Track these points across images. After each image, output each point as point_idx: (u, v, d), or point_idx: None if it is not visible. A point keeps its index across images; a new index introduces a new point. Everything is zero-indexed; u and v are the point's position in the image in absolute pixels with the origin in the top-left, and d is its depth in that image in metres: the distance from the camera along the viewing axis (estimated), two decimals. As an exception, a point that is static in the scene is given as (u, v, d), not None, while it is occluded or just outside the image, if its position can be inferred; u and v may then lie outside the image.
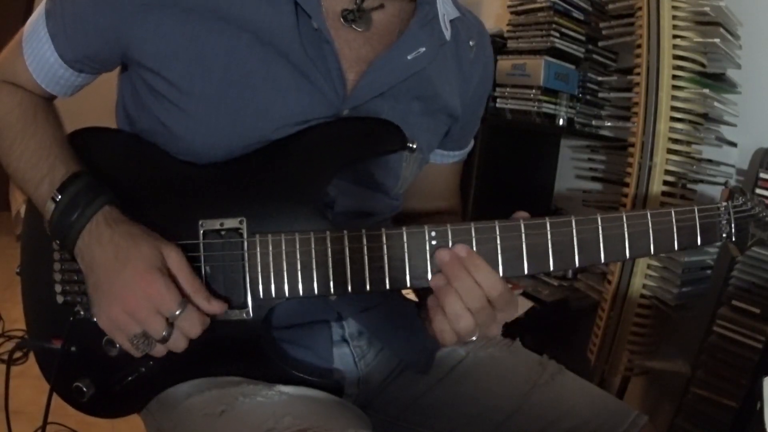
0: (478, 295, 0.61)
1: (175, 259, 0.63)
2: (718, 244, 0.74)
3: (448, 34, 0.76)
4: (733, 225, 0.71)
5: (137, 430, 0.80)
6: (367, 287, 0.64)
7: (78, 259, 0.65)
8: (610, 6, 1.55)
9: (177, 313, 0.61)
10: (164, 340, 0.62)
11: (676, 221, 0.67)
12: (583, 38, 1.74)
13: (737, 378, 1.26)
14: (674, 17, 1.30)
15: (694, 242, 0.68)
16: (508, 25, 1.85)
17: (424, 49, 0.72)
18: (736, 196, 0.72)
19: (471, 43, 0.81)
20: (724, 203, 0.72)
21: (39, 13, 0.71)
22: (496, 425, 0.76)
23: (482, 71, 0.84)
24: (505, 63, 1.79)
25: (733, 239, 0.72)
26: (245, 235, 0.65)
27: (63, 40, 0.70)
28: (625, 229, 0.65)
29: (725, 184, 0.75)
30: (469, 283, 0.61)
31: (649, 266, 1.40)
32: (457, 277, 0.61)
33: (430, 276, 0.64)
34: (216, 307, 0.64)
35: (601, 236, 0.64)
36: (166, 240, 0.64)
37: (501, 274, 0.64)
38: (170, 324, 0.62)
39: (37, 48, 0.71)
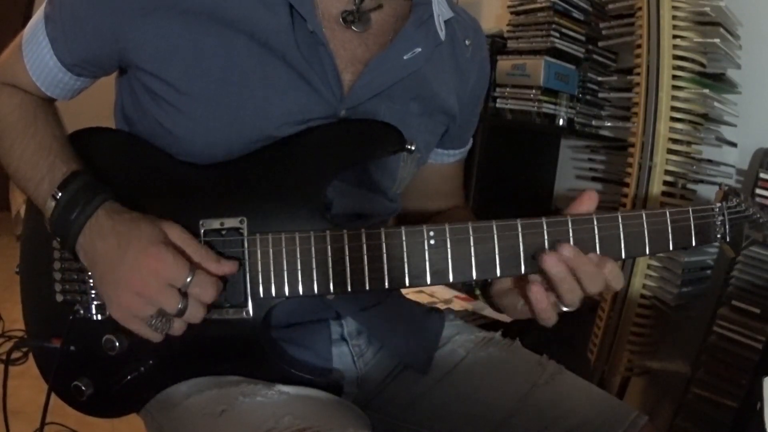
0: (600, 287, 0.62)
1: (176, 232, 0.63)
2: (714, 244, 0.74)
3: (442, 35, 0.76)
4: (727, 226, 0.72)
5: (137, 430, 0.80)
6: (367, 286, 0.64)
7: (80, 256, 0.65)
8: (610, 6, 1.56)
9: (188, 280, 0.60)
10: (181, 313, 0.61)
11: (671, 222, 0.67)
12: (583, 38, 1.75)
13: (737, 378, 1.26)
14: (674, 17, 1.30)
15: (689, 243, 0.69)
16: (508, 25, 1.85)
17: (419, 49, 0.72)
18: (730, 197, 0.73)
19: (467, 42, 0.81)
20: (718, 204, 0.72)
21: (38, 17, 0.71)
22: (496, 425, 0.76)
23: (479, 69, 0.85)
24: (505, 63, 1.80)
25: (728, 240, 0.72)
26: (245, 235, 0.65)
27: (62, 44, 0.70)
28: (621, 230, 0.65)
29: (719, 185, 0.76)
30: (595, 274, 0.62)
31: (649, 266, 1.40)
32: (582, 269, 0.62)
33: (429, 275, 0.64)
34: (227, 266, 0.63)
35: (597, 236, 0.64)
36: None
37: (498, 274, 0.64)
38: (183, 295, 0.61)
39: (36, 52, 0.71)
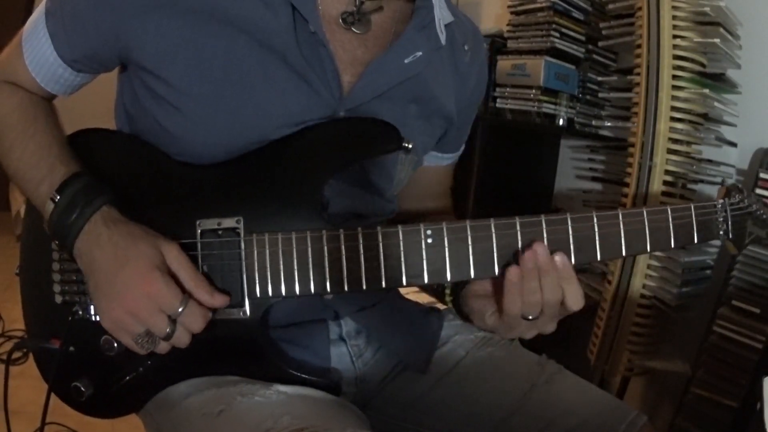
0: (557, 297, 0.63)
1: (174, 256, 0.63)
2: (717, 243, 0.74)
3: (443, 38, 0.76)
4: (729, 222, 0.71)
5: (137, 430, 0.80)
6: (364, 286, 0.64)
7: (77, 260, 0.66)
8: (610, 6, 1.56)
9: (179, 310, 0.61)
10: (168, 337, 0.62)
11: (673, 219, 0.67)
12: (583, 38, 1.75)
13: (737, 378, 1.26)
14: (674, 17, 1.30)
15: (691, 240, 0.68)
16: (508, 25, 1.85)
17: (420, 52, 0.72)
18: (732, 193, 0.72)
19: (466, 47, 0.82)
20: (721, 201, 0.72)
21: (39, 13, 0.71)
22: (496, 425, 0.76)
23: (478, 74, 0.85)
24: (505, 63, 1.80)
25: (730, 236, 0.72)
26: (242, 235, 0.65)
27: (62, 40, 0.70)
28: (621, 227, 0.65)
29: (722, 182, 0.75)
30: (553, 281, 0.63)
31: (649, 266, 1.40)
32: (545, 271, 0.62)
33: (426, 274, 0.64)
34: (218, 300, 0.64)
35: (597, 234, 0.64)
36: (165, 238, 0.65)
37: (496, 272, 0.64)
38: (173, 321, 0.62)
39: (36, 47, 0.71)
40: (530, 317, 0.65)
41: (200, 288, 0.63)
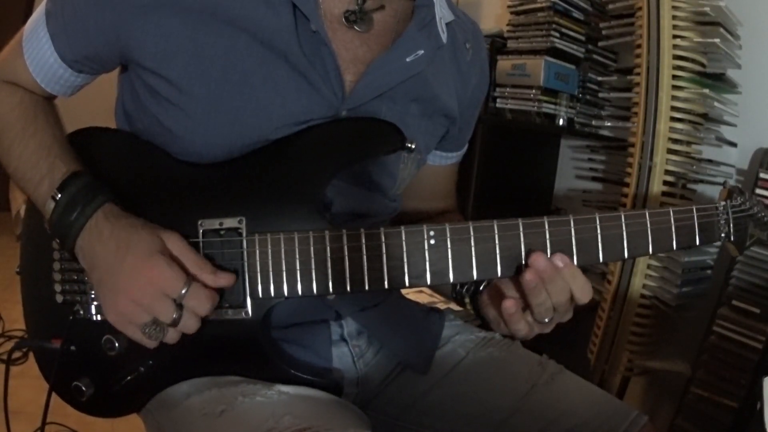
0: (566, 296, 0.64)
1: (175, 242, 0.63)
2: (718, 243, 0.74)
3: (444, 37, 0.76)
4: (731, 224, 0.72)
5: (137, 430, 0.80)
6: (366, 286, 0.64)
7: (79, 258, 0.65)
8: (610, 6, 1.56)
9: (183, 292, 0.61)
10: (175, 323, 0.61)
11: (675, 221, 0.67)
12: (583, 38, 1.75)
13: (737, 378, 1.26)
14: (674, 17, 1.30)
15: (693, 242, 0.69)
16: (508, 25, 1.85)
17: (422, 51, 0.72)
18: (734, 195, 0.73)
19: (467, 45, 0.82)
20: (723, 203, 0.72)
21: (39, 13, 0.71)
22: (496, 425, 0.76)
23: (479, 73, 0.85)
24: (505, 63, 1.80)
25: (732, 239, 0.72)
26: (244, 235, 0.65)
27: (63, 40, 0.70)
28: (624, 229, 0.65)
29: (724, 184, 0.76)
30: (559, 284, 0.63)
31: (649, 266, 1.40)
32: (550, 279, 0.63)
33: (429, 275, 0.64)
34: (223, 279, 0.63)
35: (599, 236, 0.64)
36: (165, 228, 0.64)
37: (499, 274, 0.64)
38: (179, 305, 0.61)
39: (37, 48, 0.71)
40: (546, 320, 0.65)
41: (203, 269, 0.63)
